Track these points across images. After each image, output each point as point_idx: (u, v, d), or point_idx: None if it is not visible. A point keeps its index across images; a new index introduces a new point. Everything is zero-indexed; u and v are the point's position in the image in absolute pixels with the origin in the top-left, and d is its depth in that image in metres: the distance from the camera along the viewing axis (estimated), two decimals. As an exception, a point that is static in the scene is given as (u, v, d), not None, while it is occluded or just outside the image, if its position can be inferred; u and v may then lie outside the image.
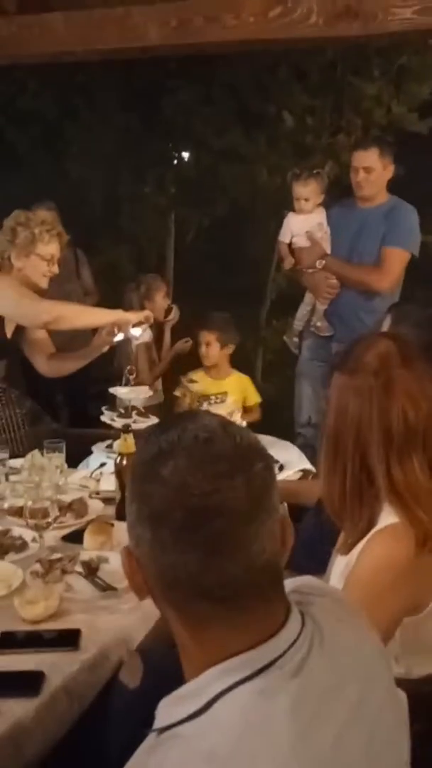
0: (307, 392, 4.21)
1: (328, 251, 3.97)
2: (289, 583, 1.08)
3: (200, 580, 0.91)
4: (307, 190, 3.92)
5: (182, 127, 6.92)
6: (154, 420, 3.06)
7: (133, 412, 2.98)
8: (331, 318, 4.04)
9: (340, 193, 4.33)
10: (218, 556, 0.90)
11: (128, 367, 3.03)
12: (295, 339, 4.32)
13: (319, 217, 3.99)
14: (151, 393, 3.17)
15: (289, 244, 4.06)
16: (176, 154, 7.90)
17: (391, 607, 1.52)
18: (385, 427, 1.53)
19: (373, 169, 3.88)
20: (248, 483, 0.91)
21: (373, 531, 1.56)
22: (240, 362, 7.36)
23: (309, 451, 3.50)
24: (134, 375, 3.05)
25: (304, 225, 3.98)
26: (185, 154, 7.84)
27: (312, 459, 3.25)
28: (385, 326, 2.43)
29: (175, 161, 7.93)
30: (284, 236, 4.06)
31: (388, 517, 1.55)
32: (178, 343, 4.63)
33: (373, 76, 6.47)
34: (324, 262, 3.92)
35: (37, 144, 6.85)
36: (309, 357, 4.22)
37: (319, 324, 4.07)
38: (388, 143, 4.03)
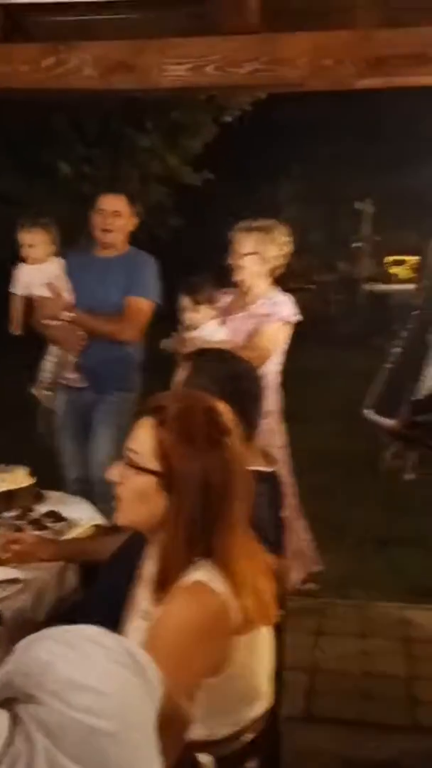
0: (71, 447, 4.00)
1: (72, 302, 3.78)
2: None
3: None
4: (31, 236, 3.67)
5: None
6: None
7: None
8: (82, 369, 3.85)
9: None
10: None
11: None
12: (49, 392, 3.99)
13: (56, 268, 3.75)
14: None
15: (26, 298, 3.74)
16: None
17: (195, 668, 1.49)
18: (228, 485, 1.55)
19: (121, 215, 3.82)
20: None
21: (176, 586, 1.53)
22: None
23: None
24: None
25: (40, 275, 3.71)
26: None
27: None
28: (182, 376, 2.37)
29: None
30: (16, 288, 3.72)
31: (195, 573, 1.53)
32: None
33: (146, 128, 6.65)
34: (71, 314, 3.72)
35: None
36: (67, 410, 4.00)
37: (71, 376, 3.88)
38: (133, 196, 4.02)
